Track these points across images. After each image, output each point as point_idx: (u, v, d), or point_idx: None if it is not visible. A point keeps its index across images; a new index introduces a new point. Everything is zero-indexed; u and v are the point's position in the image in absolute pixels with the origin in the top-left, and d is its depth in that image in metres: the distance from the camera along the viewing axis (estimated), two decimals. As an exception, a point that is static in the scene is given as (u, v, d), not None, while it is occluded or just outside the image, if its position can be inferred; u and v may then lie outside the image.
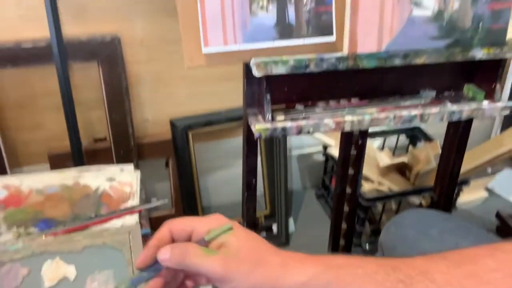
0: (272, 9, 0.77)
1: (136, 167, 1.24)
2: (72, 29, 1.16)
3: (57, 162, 1.28)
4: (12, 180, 0.91)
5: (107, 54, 1.23)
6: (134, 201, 0.84)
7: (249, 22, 0.77)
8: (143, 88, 1.32)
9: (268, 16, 0.77)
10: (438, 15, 0.82)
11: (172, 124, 1.36)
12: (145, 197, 1.11)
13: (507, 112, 0.91)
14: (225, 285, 0.44)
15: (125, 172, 0.90)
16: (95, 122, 1.32)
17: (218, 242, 0.46)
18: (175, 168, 1.43)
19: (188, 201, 1.45)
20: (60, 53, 1.11)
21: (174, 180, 1.44)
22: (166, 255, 0.46)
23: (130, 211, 0.81)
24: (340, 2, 0.79)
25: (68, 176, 0.89)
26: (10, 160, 1.26)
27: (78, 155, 1.20)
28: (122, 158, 1.31)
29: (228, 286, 0.44)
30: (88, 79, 1.25)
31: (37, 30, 1.13)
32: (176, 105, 1.37)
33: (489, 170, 1.74)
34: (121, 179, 0.88)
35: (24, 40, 1.14)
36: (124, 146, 1.32)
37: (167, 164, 1.45)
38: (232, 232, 0.47)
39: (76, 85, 1.22)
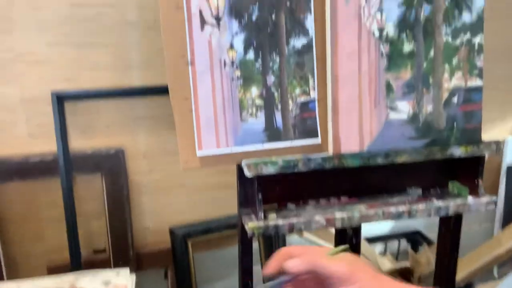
0: (261, 115, 0.85)
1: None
2: (78, 143, 1.25)
3: (55, 274, 1.28)
4: (9, 285, 0.91)
5: (111, 166, 1.29)
6: (129, 304, 0.83)
7: (240, 128, 0.84)
8: (144, 197, 1.37)
9: (257, 121, 0.85)
10: (414, 118, 0.89)
11: (172, 232, 1.38)
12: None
13: (492, 206, 0.94)
14: (350, 285, 0.50)
15: (120, 275, 0.91)
16: (95, 233, 1.34)
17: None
18: (174, 278, 1.41)
19: (187, 314, 1.41)
20: (66, 166, 1.18)
21: (173, 292, 1.41)
22: (297, 262, 0.52)
23: (124, 314, 0.80)
24: (323, 108, 0.87)
25: (64, 280, 0.90)
26: (9, 272, 1.25)
27: (77, 266, 1.21)
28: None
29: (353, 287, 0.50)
30: (91, 190, 1.30)
31: (45, 145, 1.21)
32: (175, 214, 1.40)
33: (496, 274, 1.70)
34: (117, 282, 0.88)
35: (32, 155, 1.21)
36: (123, 257, 1.32)
37: (166, 275, 1.43)
38: (348, 252, 0.56)
39: (78, 196, 1.27)
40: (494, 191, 1.69)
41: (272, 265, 0.54)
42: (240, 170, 0.85)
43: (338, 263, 0.51)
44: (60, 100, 1.18)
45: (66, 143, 1.19)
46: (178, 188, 1.39)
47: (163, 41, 0.81)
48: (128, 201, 1.32)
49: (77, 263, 1.19)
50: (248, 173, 0.81)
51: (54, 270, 1.29)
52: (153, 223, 1.40)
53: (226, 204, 1.44)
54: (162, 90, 1.25)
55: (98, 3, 1.17)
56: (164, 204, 1.39)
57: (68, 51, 1.18)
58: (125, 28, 1.21)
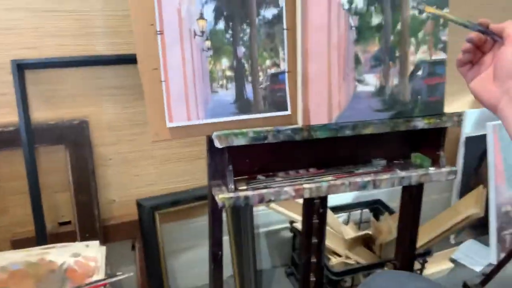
0: (231, 87, 0.85)
1: (102, 248, 1.23)
2: (40, 114, 1.21)
3: (20, 248, 1.25)
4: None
5: (75, 137, 1.26)
6: (99, 275, 0.83)
7: (210, 99, 0.84)
8: (110, 169, 1.35)
9: (227, 93, 0.85)
10: (380, 90, 0.91)
11: (139, 204, 1.37)
12: (111, 272, 1.09)
13: (453, 176, 0.98)
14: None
15: (90, 247, 0.91)
16: (60, 205, 1.32)
17: None
18: (142, 250, 1.41)
19: (155, 284, 1.42)
20: (28, 137, 1.15)
21: (141, 263, 1.42)
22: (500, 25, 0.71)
23: (95, 285, 0.81)
24: (292, 80, 0.88)
25: (32, 254, 0.89)
26: (-30, 247, 1.22)
27: (42, 239, 1.19)
28: (87, 241, 1.30)
29: None
30: (54, 162, 1.27)
31: (6, 116, 1.17)
32: (143, 186, 1.40)
33: (453, 241, 1.80)
34: (86, 254, 0.88)
35: (-7, 125, 1.17)
36: (89, 229, 1.31)
37: (133, 247, 1.43)
38: None
39: (42, 168, 1.24)
40: (452, 161, 1.77)
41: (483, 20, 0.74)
42: (210, 142, 0.86)
43: None
44: (21, 68, 1.13)
45: (27, 113, 1.16)
46: (145, 160, 1.38)
47: (130, 10, 0.78)
48: (93, 173, 1.30)
49: (42, 236, 1.17)
50: (218, 144, 0.82)
51: (18, 243, 1.27)
52: (120, 196, 1.39)
53: (194, 175, 1.45)
54: (128, 59, 1.23)
55: (60, -32, 1.12)
56: (131, 176, 1.38)
57: (29, 17, 1.13)
58: (89, -7, 1.17)
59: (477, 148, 1.75)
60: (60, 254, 0.89)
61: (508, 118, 0.69)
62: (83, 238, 1.30)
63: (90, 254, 0.89)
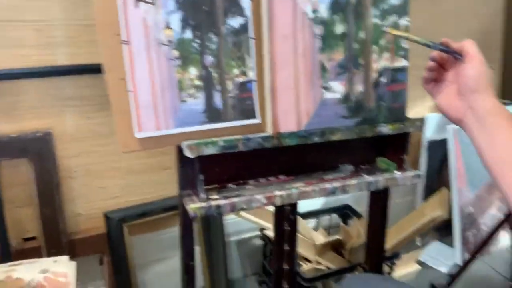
0: (200, 96, 0.85)
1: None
2: (2, 127, 1.17)
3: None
4: None
5: (38, 150, 1.23)
6: (68, 291, 0.81)
7: (179, 109, 0.83)
8: (76, 181, 1.32)
9: (196, 102, 0.85)
10: (346, 97, 0.94)
11: (106, 217, 1.35)
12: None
13: (418, 180, 1.01)
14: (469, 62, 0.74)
15: (58, 263, 0.88)
16: (24, 220, 1.28)
17: None
18: (110, 264, 1.38)
19: (125, 298, 1.39)
20: (-11, 151, 1.11)
21: (110, 277, 1.38)
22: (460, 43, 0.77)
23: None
24: (260, 88, 0.89)
25: (-3, 272, 0.85)
26: None
27: (7, 256, 1.15)
28: (54, 256, 1.26)
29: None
30: (17, 176, 1.23)
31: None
32: (110, 198, 1.37)
33: (419, 243, 1.84)
34: (55, 270, 0.85)
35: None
36: (55, 244, 1.27)
37: (101, 261, 1.40)
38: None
39: (5, 182, 1.20)
40: (416, 165, 1.82)
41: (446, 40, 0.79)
42: (180, 151, 0.85)
43: (480, 53, 0.74)
44: (-21, 80, 1.10)
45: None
46: (111, 171, 1.36)
47: (95, 19, 0.77)
48: (58, 186, 1.27)
49: (6, 253, 1.13)
50: (189, 154, 0.81)
51: (-21, 261, 1.22)
52: (86, 208, 1.35)
53: (162, 186, 1.43)
54: (91, 69, 1.21)
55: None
56: (97, 188, 1.35)
57: (-14, 27, 1.10)
58: (50, 3, 1.14)
59: (439, 151, 1.81)
60: (28, 271, 0.86)
61: (473, 131, 0.73)
62: (49, 254, 1.26)
63: (59, 270, 0.86)
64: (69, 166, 1.30)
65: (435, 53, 0.81)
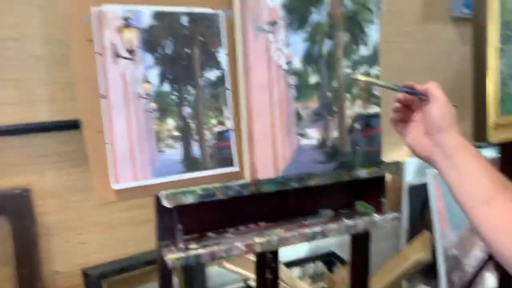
0: (178, 146, 0.86)
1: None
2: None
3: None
4: None
5: (16, 207, 1.21)
6: None
7: (158, 159, 0.84)
8: (54, 238, 1.29)
9: (174, 152, 0.86)
10: (322, 143, 0.96)
11: (85, 273, 1.31)
12: None
13: (396, 222, 1.03)
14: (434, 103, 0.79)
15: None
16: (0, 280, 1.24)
17: None
18: (90, 324, 1.33)
19: None
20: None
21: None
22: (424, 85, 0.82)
23: None
24: (238, 137, 0.90)
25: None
26: None
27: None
28: (29, 318, 1.21)
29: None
30: (-6, 235, 1.21)
31: None
32: (89, 254, 1.34)
33: (405, 287, 1.82)
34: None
35: None
36: (31, 305, 1.23)
37: (80, 322, 1.35)
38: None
39: (-20, 242, 1.17)
40: (398, 208, 1.83)
41: (410, 84, 0.83)
42: (158, 201, 0.85)
43: (443, 94, 0.79)
44: (-43, 138, 1.09)
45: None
46: (90, 227, 1.34)
47: (74, 75, 0.79)
48: (36, 244, 1.24)
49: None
50: (167, 204, 0.81)
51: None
52: (65, 266, 1.32)
53: (143, 240, 1.40)
54: (69, 125, 1.22)
55: (2, 37, 1.12)
56: (76, 244, 1.33)
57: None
58: (31, 62, 1.17)
59: (420, 194, 1.83)
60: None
61: (442, 168, 0.77)
62: (25, 316, 1.21)
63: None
64: (48, 223, 1.28)
65: (400, 95, 0.85)
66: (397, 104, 0.86)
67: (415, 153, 0.84)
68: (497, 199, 0.68)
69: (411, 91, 0.83)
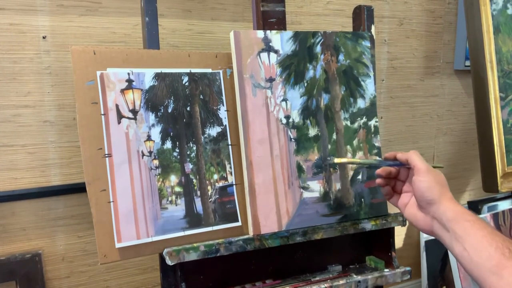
0: (181, 202, 0.87)
1: None
2: (-10, 250, 1.17)
3: None
4: None
5: (26, 272, 1.21)
6: None
7: (160, 216, 0.85)
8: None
9: (177, 209, 0.86)
10: (325, 196, 0.96)
11: None
12: None
13: (407, 276, 0.99)
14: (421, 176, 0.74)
15: None
16: None
17: None
18: None
19: None
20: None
21: None
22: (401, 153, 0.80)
23: None
24: (241, 192, 0.91)
25: None
26: None
27: None
28: None
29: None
30: (3, 301, 1.20)
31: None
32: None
33: None
34: None
35: None
36: None
37: None
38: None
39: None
40: (417, 266, 1.77)
41: (390, 154, 0.82)
42: (162, 260, 0.85)
43: (424, 163, 0.75)
44: (-29, 204, 1.12)
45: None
46: (101, 287, 1.32)
47: (79, 135, 0.83)
48: (45, 313, 1.22)
49: None
50: (169, 261, 0.81)
51: None
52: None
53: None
54: (80, 188, 1.24)
55: (17, 105, 1.18)
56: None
57: (-18, 152, 1.16)
58: (44, 127, 1.22)
59: (439, 250, 1.77)
60: None
61: (446, 241, 0.72)
62: None
63: None
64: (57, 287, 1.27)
65: (379, 170, 0.81)
66: (379, 181, 0.83)
67: (417, 228, 0.79)
68: (508, 266, 0.64)
69: (393, 163, 0.80)
